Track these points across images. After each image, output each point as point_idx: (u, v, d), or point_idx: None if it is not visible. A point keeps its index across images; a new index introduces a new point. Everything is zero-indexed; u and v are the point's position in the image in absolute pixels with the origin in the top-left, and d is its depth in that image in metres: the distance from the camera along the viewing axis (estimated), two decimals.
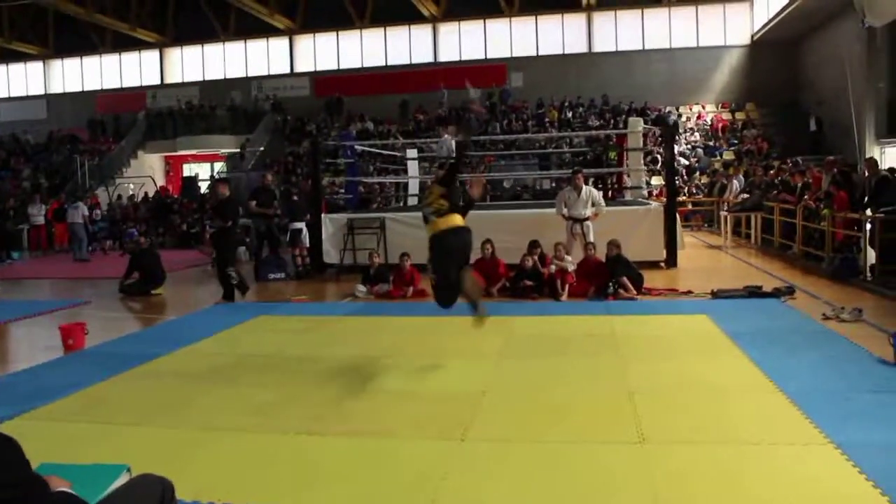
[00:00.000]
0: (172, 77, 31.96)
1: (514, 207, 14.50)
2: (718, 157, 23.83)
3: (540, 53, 28.12)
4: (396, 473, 3.84)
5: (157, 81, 31.99)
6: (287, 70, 30.65)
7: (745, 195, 16.78)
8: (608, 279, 9.48)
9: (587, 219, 10.55)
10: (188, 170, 31.56)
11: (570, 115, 26.09)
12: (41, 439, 4.25)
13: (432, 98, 27.34)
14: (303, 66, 30.56)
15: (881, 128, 18.49)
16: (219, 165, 29.57)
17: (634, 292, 9.34)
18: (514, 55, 28.31)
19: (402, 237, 12.02)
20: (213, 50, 31.31)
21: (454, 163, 6.45)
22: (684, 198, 20.75)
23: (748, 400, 4.88)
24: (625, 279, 9.36)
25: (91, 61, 32.66)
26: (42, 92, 33.32)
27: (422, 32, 29.15)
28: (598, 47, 27.68)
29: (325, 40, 30.17)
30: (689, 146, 24.54)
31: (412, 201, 16.59)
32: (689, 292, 9.45)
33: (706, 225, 20.17)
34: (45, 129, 31.25)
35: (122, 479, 2.94)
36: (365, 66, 29.65)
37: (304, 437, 4.43)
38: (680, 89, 26.53)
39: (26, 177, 27.50)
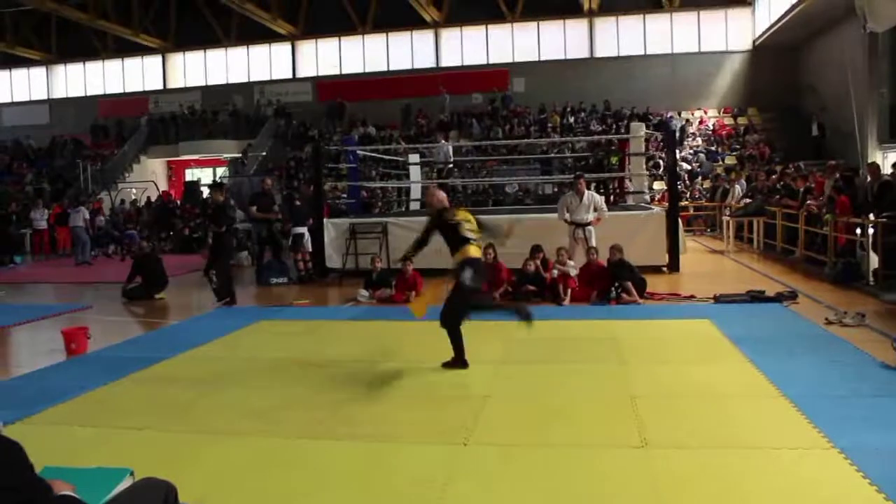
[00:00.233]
0: (175, 82, 32.01)
1: (517, 212, 14.49)
2: (720, 162, 23.83)
3: (542, 59, 28.14)
4: (399, 478, 3.84)
5: (159, 86, 32.03)
6: (289, 75, 30.69)
7: (748, 200, 16.77)
8: (610, 284, 9.47)
9: (589, 224, 10.55)
10: (190, 175, 31.61)
11: (571, 120, 26.09)
12: (44, 443, 4.25)
13: (434, 103, 27.36)
14: (305, 71, 30.60)
15: (883, 133, 18.50)
16: (221, 170, 29.62)
17: (637, 297, 9.34)
18: (515, 60, 28.33)
19: (404, 242, 11.94)
20: (215, 55, 31.36)
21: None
22: (686, 202, 20.74)
23: (751, 404, 4.88)
24: (629, 284, 9.36)
25: (94, 66, 32.73)
26: (45, 97, 33.38)
27: (424, 38, 29.18)
28: (600, 52, 27.69)
29: (328, 46, 30.21)
30: (691, 151, 24.54)
31: (414, 206, 16.60)
32: (692, 297, 9.44)
33: (709, 230, 20.16)
34: (47, 134, 31.32)
35: (126, 483, 2.94)
36: (367, 71, 29.69)
37: (307, 442, 4.43)
38: (682, 94, 26.52)
39: (29, 181, 27.56)
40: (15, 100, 33.72)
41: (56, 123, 32.38)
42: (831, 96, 21.30)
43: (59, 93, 33.28)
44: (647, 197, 16.19)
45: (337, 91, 29.17)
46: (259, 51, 30.84)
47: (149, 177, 28.00)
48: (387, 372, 6.07)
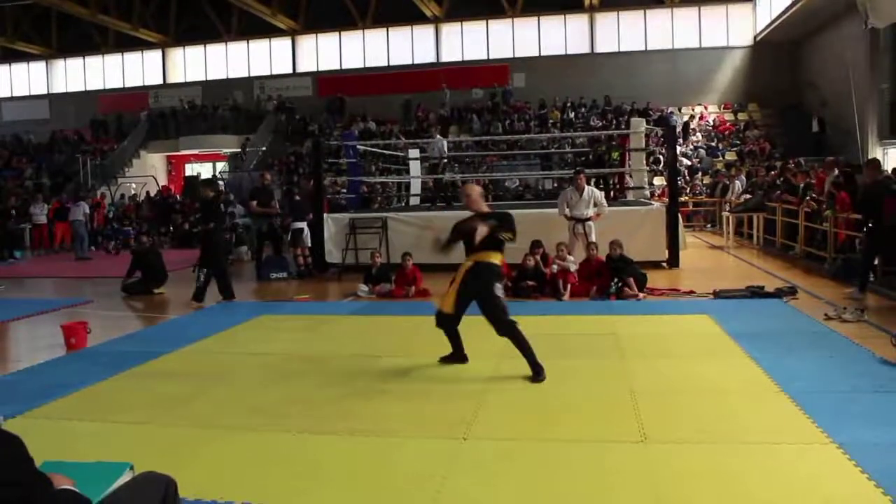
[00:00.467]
0: (175, 77, 31.99)
1: (517, 207, 14.48)
2: (721, 158, 23.81)
3: (542, 54, 28.12)
4: (398, 473, 3.84)
5: (159, 81, 32.01)
6: (289, 70, 30.67)
7: (748, 196, 16.77)
8: (610, 279, 9.48)
9: (589, 219, 10.55)
10: (190, 169, 31.60)
11: (572, 115, 26.08)
12: (44, 437, 4.26)
13: (435, 98, 27.35)
14: (305, 66, 30.58)
15: (884, 129, 18.50)
16: (221, 165, 29.62)
17: (638, 292, 9.34)
18: (516, 55, 28.30)
19: (404, 237, 12.04)
20: (215, 50, 31.33)
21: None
22: (686, 198, 20.74)
23: (750, 400, 4.88)
24: (630, 279, 9.37)
25: (94, 61, 32.70)
26: (45, 92, 33.36)
27: (424, 33, 29.15)
28: (601, 48, 27.67)
29: (328, 40, 30.19)
30: (691, 147, 24.53)
31: (414, 201, 16.60)
32: (692, 292, 9.45)
33: (710, 225, 20.16)
34: (47, 129, 31.29)
35: (126, 477, 2.95)
36: (367, 66, 29.66)
37: (306, 436, 4.43)
38: (682, 90, 26.51)
39: (29, 176, 27.56)
40: (14, 94, 33.69)
41: (56, 118, 32.37)
42: (832, 92, 21.29)
43: (59, 88, 33.25)
44: (647, 192, 16.17)
45: (337, 86, 29.16)
46: (259, 46, 30.81)
47: (149, 172, 28.01)
48: (386, 367, 6.08)
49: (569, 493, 3.53)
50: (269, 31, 29.60)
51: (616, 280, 9.43)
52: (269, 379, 5.83)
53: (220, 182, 24.75)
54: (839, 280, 9.94)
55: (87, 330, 7.41)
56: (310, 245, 12.87)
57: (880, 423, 4.27)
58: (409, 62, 29.22)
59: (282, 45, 30.62)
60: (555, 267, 9.76)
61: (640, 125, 15.83)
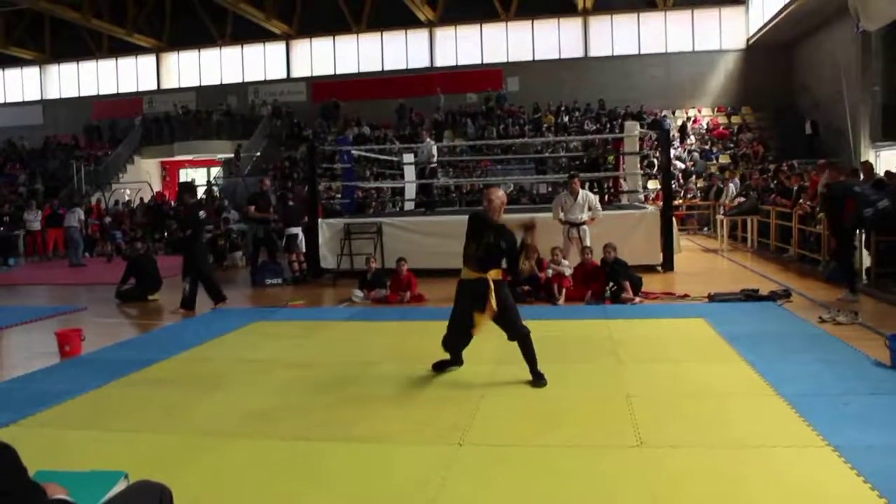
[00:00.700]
0: (169, 82, 31.98)
1: (511, 212, 14.49)
2: (714, 161, 23.88)
3: (536, 58, 28.21)
4: (394, 479, 3.83)
5: (153, 87, 32.01)
6: (284, 75, 30.70)
7: (742, 199, 16.82)
8: (605, 283, 9.49)
9: (584, 223, 10.56)
10: (185, 175, 31.56)
11: (566, 119, 26.14)
12: (38, 446, 4.23)
13: (429, 102, 27.38)
14: (299, 71, 30.61)
15: (876, 131, 18.53)
16: (215, 171, 29.59)
17: (633, 296, 9.35)
18: (510, 60, 28.40)
19: (399, 242, 12.03)
20: (209, 55, 31.34)
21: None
22: (680, 201, 20.79)
23: (745, 403, 4.89)
24: (626, 283, 9.38)
25: (87, 66, 32.68)
26: (38, 97, 33.32)
27: (418, 37, 29.21)
28: (595, 52, 27.77)
29: (322, 45, 30.23)
30: (684, 150, 24.59)
31: (409, 206, 16.60)
32: (686, 296, 9.46)
33: (706, 228, 20.20)
34: (41, 135, 31.23)
35: (120, 486, 2.93)
36: (362, 70, 29.73)
37: (302, 443, 4.42)
38: (676, 93, 26.62)
39: (22, 182, 27.48)
40: (8, 100, 33.65)
41: (49, 124, 32.33)
42: (824, 95, 21.37)
43: (53, 93, 33.23)
44: (642, 196, 16.21)
45: (331, 91, 29.18)
46: (253, 51, 30.85)
47: (143, 177, 27.98)
48: (382, 372, 6.07)
49: (565, 498, 3.53)
50: (263, 36, 29.63)
51: (611, 284, 9.43)
52: (263, 385, 5.81)
53: (215, 188, 24.83)
54: (833, 283, 9.96)
55: (82, 337, 7.37)
56: (304, 251, 12.85)
57: (875, 426, 4.28)
58: (404, 67, 29.29)
59: (276, 49, 30.66)
60: (550, 271, 9.77)
61: (633, 129, 15.87)
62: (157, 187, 28.33)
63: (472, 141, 24.20)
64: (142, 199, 25.16)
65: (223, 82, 31.10)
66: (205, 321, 9.04)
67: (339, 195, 17.96)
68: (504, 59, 28.45)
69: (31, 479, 2.18)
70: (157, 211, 23.20)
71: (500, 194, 5.77)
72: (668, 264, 11.81)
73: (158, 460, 4.13)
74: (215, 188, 25.05)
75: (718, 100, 26.72)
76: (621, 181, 16.24)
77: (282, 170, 25.83)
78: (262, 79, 30.80)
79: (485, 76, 28.15)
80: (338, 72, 30.02)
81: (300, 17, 29.55)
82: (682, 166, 23.39)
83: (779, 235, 13.66)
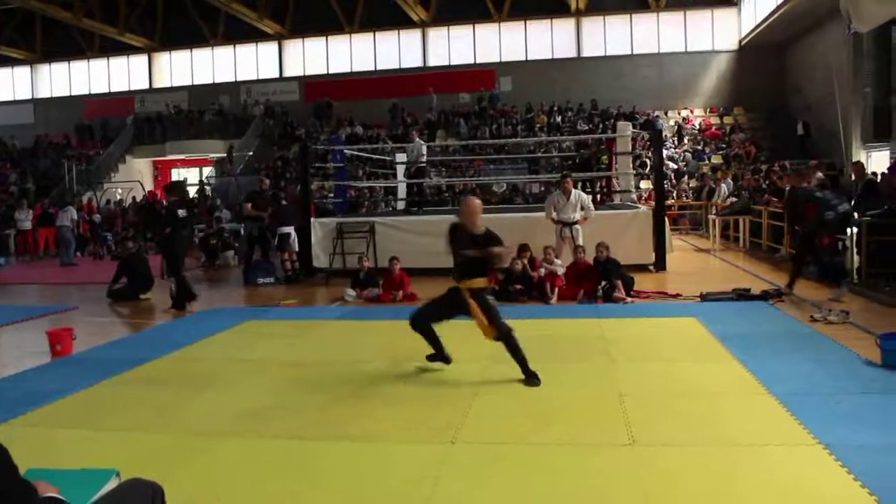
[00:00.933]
0: (161, 82, 31.86)
1: (504, 211, 14.52)
2: (707, 161, 23.95)
3: (529, 58, 28.21)
4: (388, 477, 3.83)
5: (145, 86, 31.87)
6: (276, 75, 30.62)
7: (734, 199, 16.87)
8: (598, 282, 9.50)
9: (576, 223, 10.58)
10: (177, 174, 31.45)
11: (559, 119, 26.16)
12: (29, 445, 4.21)
13: (422, 102, 27.36)
14: (292, 70, 30.54)
15: (867, 132, 18.66)
16: (207, 170, 29.50)
17: (625, 296, 9.36)
18: (503, 60, 28.39)
19: (391, 241, 12.03)
20: (201, 54, 31.23)
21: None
22: (673, 201, 20.84)
23: (737, 402, 4.91)
24: (618, 282, 9.40)
25: (79, 66, 32.52)
26: (29, 97, 33.14)
27: (411, 37, 29.18)
28: (587, 52, 27.79)
29: (315, 45, 30.17)
30: (677, 150, 24.65)
31: (401, 206, 16.59)
32: (678, 295, 9.49)
33: (700, 227, 20.24)
34: (32, 134, 31.08)
35: (112, 484, 2.92)
36: (354, 70, 29.68)
37: (295, 442, 4.41)
38: (668, 94, 26.66)
39: (13, 182, 27.34)
40: None
41: (41, 123, 32.16)
42: (816, 96, 21.47)
43: (44, 93, 33.06)
44: (634, 196, 16.25)
45: (324, 90, 29.14)
46: (246, 50, 30.77)
47: (135, 177, 27.85)
48: (374, 371, 6.07)
49: (558, 496, 3.54)
50: (255, 36, 29.55)
51: (603, 283, 9.45)
52: (256, 384, 5.80)
53: (207, 187, 24.75)
54: (824, 282, 10.01)
55: (73, 336, 7.34)
56: (297, 250, 12.83)
57: (866, 425, 4.30)
58: (396, 66, 29.24)
59: (268, 49, 30.58)
60: (542, 270, 9.79)
61: (626, 129, 15.91)
62: (148, 187, 28.21)
63: (464, 141, 24.19)
64: (134, 198, 25.06)
65: (215, 82, 31.00)
66: (196, 320, 9.02)
67: (331, 194, 17.95)
68: (497, 60, 28.44)
69: (22, 477, 2.18)
70: (149, 210, 23.10)
71: (471, 203, 5.79)
72: (660, 264, 11.83)
73: (150, 459, 4.12)
74: (207, 188, 24.97)
75: (711, 100, 26.78)
76: (614, 181, 16.27)
77: (274, 169, 25.75)
78: (254, 78, 30.71)
79: (478, 76, 28.14)
80: (330, 71, 29.97)
81: (292, 17, 29.49)
82: (675, 166, 23.45)
83: (771, 235, 13.71)
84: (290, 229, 12.78)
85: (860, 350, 6.04)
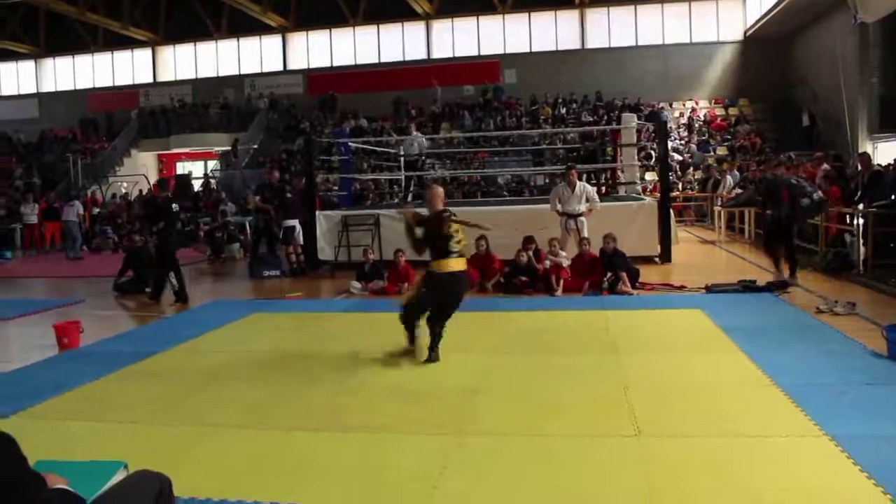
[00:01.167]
0: (165, 75, 31.86)
1: (509, 203, 14.51)
2: (712, 153, 23.86)
3: (533, 50, 28.12)
4: (393, 469, 3.85)
5: (149, 80, 31.88)
6: (280, 68, 30.60)
7: (739, 190, 16.82)
8: (603, 274, 9.50)
9: (581, 214, 10.56)
10: (182, 168, 31.50)
11: (563, 111, 26.09)
12: (37, 437, 4.24)
13: (426, 95, 27.32)
14: (296, 63, 30.51)
15: (873, 123, 18.56)
16: (212, 163, 29.53)
17: (630, 288, 9.36)
18: (507, 52, 28.30)
19: (396, 234, 11.95)
20: (205, 48, 31.22)
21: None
22: (678, 193, 20.78)
23: (743, 393, 4.90)
24: (624, 274, 9.39)
25: (83, 60, 32.54)
26: (34, 91, 33.18)
27: (415, 29, 29.12)
28: (592, 44, 27.69)
29: (319, 38, 30.12)
30: (682, 142, 24.58)
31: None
32: (683, 287, 9.47)
33: (705, 219, 20.18)
34: (37, 129, 31.13)
35: (120, 476, 2.94)
36: (358, 63, 29.63)
37: (300, 434, 4.43)
38: (673, 85, 26.56)
39: (19, 176, 27.39)
40: (3, 94, 33.49)
41: (45, 118, 32.21)
42: (822, 87, 21.34)
43: (49, 87, 33.08)
44: (639, 187, 16.21)
45: (328, 83, 29.10)
46: (250, 43, 30.73)
47: (140, 170, 27.89)
48: (380, 363, 6.08)
49: (563, 488, 3.54)
50: (259, 29, 29.51)
51: (608, 274, 9.44)
52: (261, 377, 5.82)
53: (212, 180, 24.78)
54: (831, 273, 9.99)
55: (80, 329, 7.38)
56: (302, 243, 12.84)
57: (872, 416, 4.30)
58: (400, 59, 29.20)
59: (272, 42, 30.55)
60: (547, 262, 9.78)
61: (631, 120, 15.86)
62: (153, 180, 28.25)
63: (469, 133, 24.15)
64: (140, 191, 25.10)
65: (219, 75, 30.98)
66: (202, 313, 9.05)
67: (336, 187, 17.95)
68: (501, 52, 28.35)
69: (31, 468, 2.19)
70: (153, 204, 23.10)
71: (432, 189, 6.51)
72: (665, 255, 11.82)
73: (157, 450, 4.14)
74: (212, 181, 25.00)
75: (716, 92, 26.66)
76: (619, 173, 16.23)
77: (279, 162, 25.76)
78: (258, 71, 30.69)
79: (482, 68, 28.06)
80: (334, 64, 29.92)
81: (296, 10, 29.46)
82: (680, 158, 23.38)
83: None
84: (296, 222, 12.78)
85: (866, 341, 6.03)
